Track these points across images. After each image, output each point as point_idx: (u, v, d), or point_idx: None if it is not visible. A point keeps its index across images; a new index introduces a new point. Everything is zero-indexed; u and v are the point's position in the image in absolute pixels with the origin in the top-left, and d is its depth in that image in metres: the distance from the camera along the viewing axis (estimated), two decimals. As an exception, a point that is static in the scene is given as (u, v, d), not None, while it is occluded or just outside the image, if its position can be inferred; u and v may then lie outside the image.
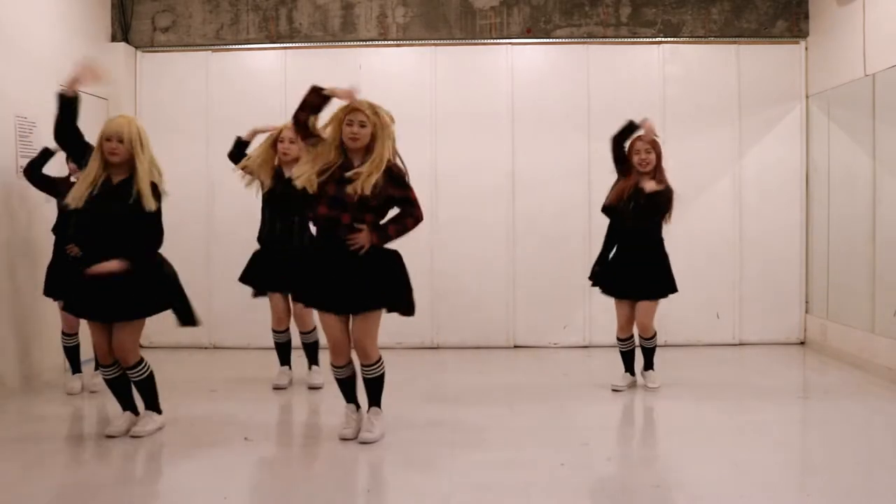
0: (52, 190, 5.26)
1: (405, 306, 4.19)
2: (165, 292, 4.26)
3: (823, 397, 5.42)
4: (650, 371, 5.43)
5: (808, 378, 6.21)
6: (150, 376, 4.35)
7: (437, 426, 4.56)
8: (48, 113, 5.43)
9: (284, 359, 5.60)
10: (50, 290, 5.29)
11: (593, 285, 5.49)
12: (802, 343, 7.08)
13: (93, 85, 4.46)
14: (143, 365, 4.30)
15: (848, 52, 6.31)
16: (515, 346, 7.12)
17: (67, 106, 4.26)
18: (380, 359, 4.20)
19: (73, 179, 4.88)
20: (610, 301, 5.45)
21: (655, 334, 5.39)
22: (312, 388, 5.46)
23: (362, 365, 4.19)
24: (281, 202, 5.23)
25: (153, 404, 4.38)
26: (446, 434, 4.43)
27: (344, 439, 4.25)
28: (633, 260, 5.25)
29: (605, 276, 5.38)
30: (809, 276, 7.07)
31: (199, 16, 7.21)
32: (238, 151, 5.52)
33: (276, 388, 5.49)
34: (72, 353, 5.40)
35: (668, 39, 7.12)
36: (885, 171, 5.84)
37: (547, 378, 5.96)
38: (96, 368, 5.01)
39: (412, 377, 5.90)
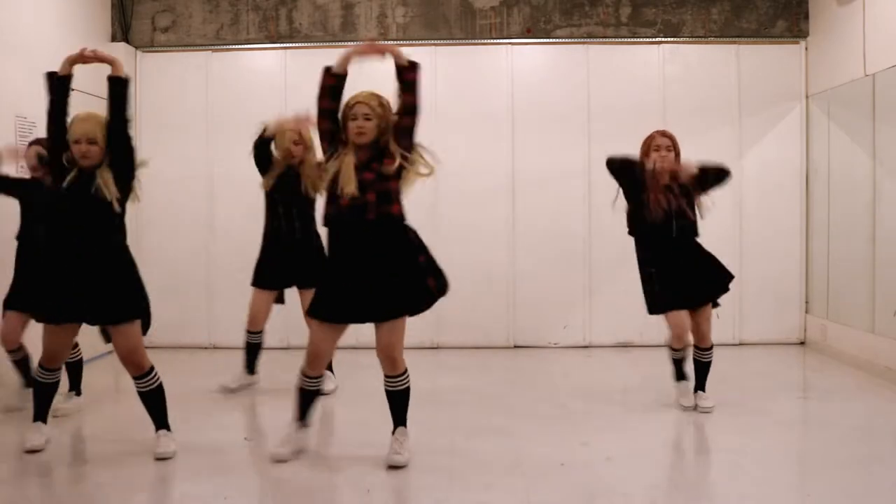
0: (13, 191, 4.83)
1: (440, 289, 3.84)
2: (144, 294, 4.02)
3: (823, 397, 5.42)
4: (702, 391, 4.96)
5: (808, 378, 6.21)
6: (161, 388, 4.04)
7: (437, 426, 4.56)
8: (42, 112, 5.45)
9: (254, 364, 5.45)
10: (14, 303, 4.77)
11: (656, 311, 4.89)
12: (802, 343, 7.08)
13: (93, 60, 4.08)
14: (154, 373, 4.00)
15: (848, 52, 6.32)
16: (515, 346, 7.12)
17: (62, 86, 3.90)
18: (406, 370, 3.93)
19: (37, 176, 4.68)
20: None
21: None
22: (227, 389, 5.30)
23: (387, 376, 3.90)
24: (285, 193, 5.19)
25: (165, 420, 4.05)
26: (446, 434, 4.43)
27: (280, 461, 3.92)
28: (687, 263, 4.81)
29: (664, 291, 4.81)
30: (809, 276, 7.07)
31: (199, 16, 7.21)
32: (263, 148, 5.32)
33: (226, 390, 5.36)
34: (24, 366, 4.87)
35: (668, 39, 7.13)
36: (885, 171, 5.84)
37: (547, 378, 5.96)
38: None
39: (412, 377, 5.89)
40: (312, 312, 3.84)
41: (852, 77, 6.26)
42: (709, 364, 4.93)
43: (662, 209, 4.69)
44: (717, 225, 7.05)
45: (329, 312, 3.81)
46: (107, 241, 3.88)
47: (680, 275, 4.78)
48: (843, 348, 6.38)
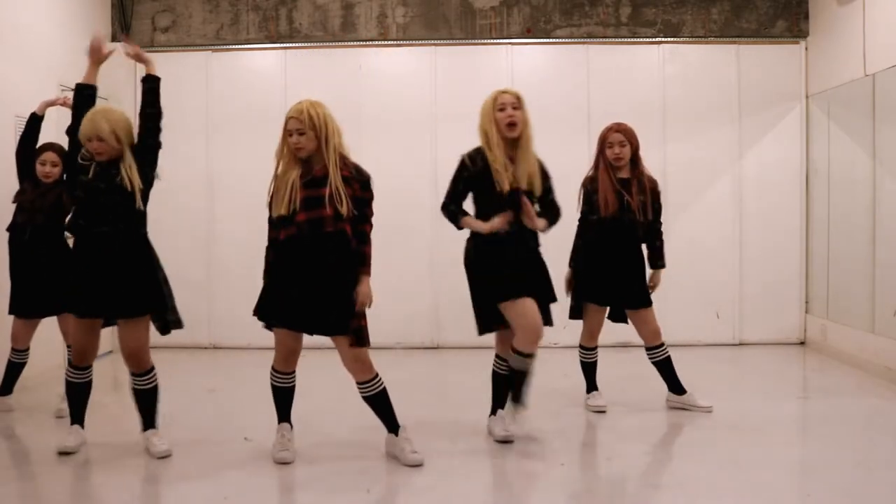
0: (28, 171, 4.79)
1: (357, 334, 3.81)
2: (164, 291, 4.08)
3: (823, 397, 5.43)
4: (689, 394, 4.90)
5: (808, 378, 6.21)
6: (157, 389, 4.10)
7: (437, 426, 4.56)
8: (48, 113, 5.44)
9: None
10: (15, 308, 4.80)
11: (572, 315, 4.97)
12: (802, 343, 7.08)
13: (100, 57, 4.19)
14: (154, 374, 4.08)
15: (848, 52, 6.32)
16: (515, 346, 7.11)
17: (89, 98, 4.06)
18: (377, 373, 3.88)
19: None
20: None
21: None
22: None
23: (360, 384, 3.88)
24: None
25: (153, 419, 4.09)
26: (446, 434, 4.43)
27: (284, 463, 3.90)
28: (623, 264, 4.78)
29: (593, 284, 4.84)
30: (809, 276, 7.07)
31: (199, 16, 7.21)
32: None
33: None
34: (16, 372, 4.89)
35: (668, 39, 7.12)
36: (885, 171, 5.84)
37: (547, 378, 5.94)
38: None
39: (412, 377, 5.90)
40: (258, 314, 3.88)
41: (852, 77, 6.25)
42: (667, 361, 4.85)
43: (614, 206, 4.69)
44: (717, 225, 7.11)
45: (276, 316, 3.83)
46: (129, 233, 3.93)
47: (613, 272, 4.75)
48: (843, 348, 6.38)
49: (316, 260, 3.75)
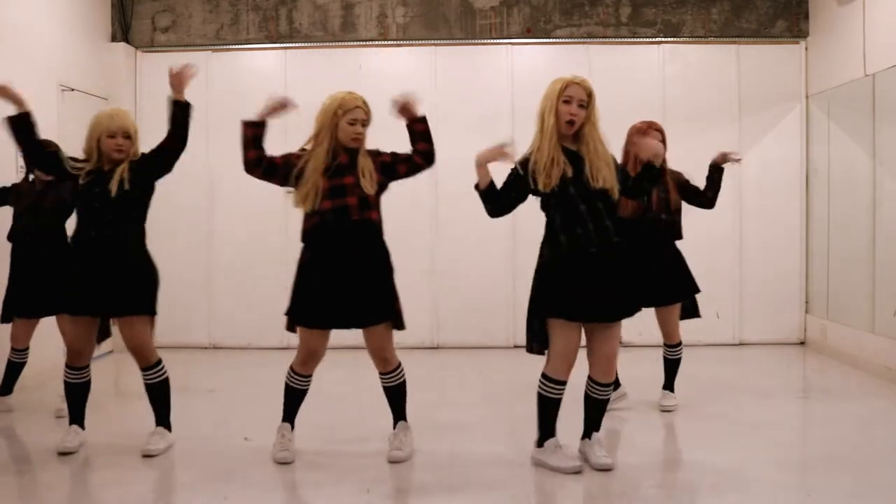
0: (5, 201, 4.86)
1: (397, 318, 3.86)
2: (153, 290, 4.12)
3: (823, 397, 5.43)
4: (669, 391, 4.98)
5: (808, 378, 6.21)
6: (167, 382, 4.11)
7: (437, 426, 4.56)
8: (48, 113, 5.45)
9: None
10: (17, 309, 4.80)
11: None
12: (802, 343, 7.08)
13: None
14: (161, 366, 4.09)
15: (848, 52, 6.32)
16: (515, 346, 7.11)
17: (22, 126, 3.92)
18: (400, 364, 3.96)
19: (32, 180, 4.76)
20: None
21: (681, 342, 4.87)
22: None
23: (382, 373, 3.95)
24: None
25: (165, 417, 4.12)
26: (446, 434, 4.43)
27: (284, 463, 3.90)
28: (651, 263, 4.71)
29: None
30: (809, 276, 7.07)
31: (199, 16, 7.21)
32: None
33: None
34: (16, 371, 4.90)
35: (668, 39, 7.13)
36: (885, 171, 5.84)
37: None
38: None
39: (412, 377, 5.87)
40: (293, 316, 3.84)
41: (852, 77, 6.25)
42: (676, 362, 4.87)
43: (633, 206, 4.57)
44: (717, 225, 7.09)
45: (310, 317, 3.81)
46: (125, 234, 3.99)
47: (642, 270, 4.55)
48: (843, 348, 6.38)
49: (343, 249, 3.74)
